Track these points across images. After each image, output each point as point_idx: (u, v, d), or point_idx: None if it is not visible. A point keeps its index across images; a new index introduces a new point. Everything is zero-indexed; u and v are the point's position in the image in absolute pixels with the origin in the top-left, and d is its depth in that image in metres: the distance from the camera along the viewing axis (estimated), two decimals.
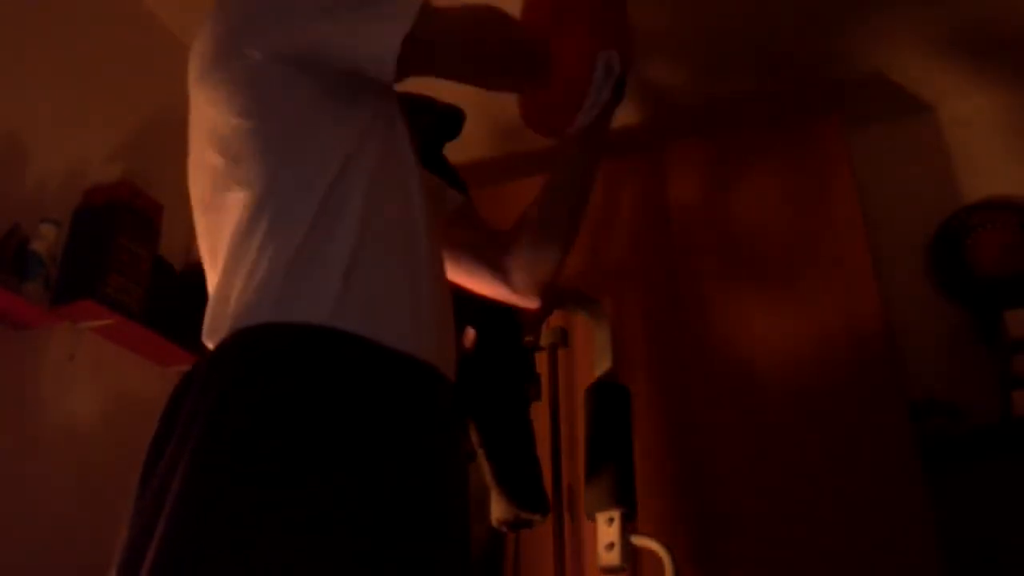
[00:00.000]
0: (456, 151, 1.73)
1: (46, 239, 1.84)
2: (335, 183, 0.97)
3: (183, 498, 0.81)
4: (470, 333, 1.54)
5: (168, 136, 1.70)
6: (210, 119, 1.04)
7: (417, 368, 0.95)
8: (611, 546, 1.66)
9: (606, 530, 1.68)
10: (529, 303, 1.32)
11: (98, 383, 2.00)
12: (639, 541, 1.71)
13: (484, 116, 2.28)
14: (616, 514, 1.68)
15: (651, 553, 1.70)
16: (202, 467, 0.82)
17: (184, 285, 1.98)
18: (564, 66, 1.23)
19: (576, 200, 1.35)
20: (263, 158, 0.98)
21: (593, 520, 1.72)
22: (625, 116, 2.69)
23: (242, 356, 0.90)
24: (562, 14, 1.27)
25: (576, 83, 1.23)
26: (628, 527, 1.69)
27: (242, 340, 0.91)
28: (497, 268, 1.32)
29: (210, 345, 0.97)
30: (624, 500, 1.69)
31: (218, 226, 1.01)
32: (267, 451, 0.83)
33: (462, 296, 1.54)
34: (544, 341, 2.07)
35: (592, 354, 1.96)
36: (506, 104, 1.49)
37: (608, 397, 1.82)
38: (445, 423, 0.98)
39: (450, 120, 1.67)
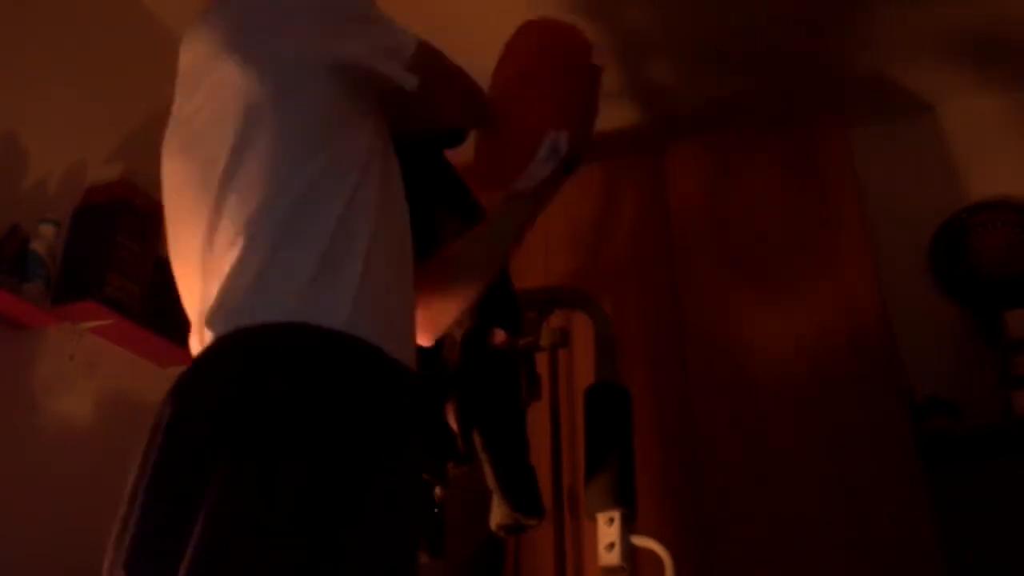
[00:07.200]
0: (459, 152, 1.73)
1: (46, 239, 1.84)
2: (355, 190, 0.99)
3: (232, 497, 0.82)
4: (500, 334, 1.55)
5: None
6: (224, 102, 1.03)
7: (415, 380, 1.00)
8: (611, 546, 1.66)
9: (606, 530, 1.68)
10: (422, 342, 1.28)
11: (98, 383, 2.00)
12: (639, 541, 1.70)
13: None
14: (616, 514, 1.68)
15: (651, 553, 1.70)
16: (251, 468, 0.84)
17: None
18: (515, 131, 1.25)
19: (497, 255, 1.33)
20: (285, 156, 0.98)
21: (593, 520, 1.72)
22: (625, 116, 2.70)
23: (273, 355, 0.90)
24: (529, 84, 1.28)
25: (521, 150, 1.26)
26: (628, 527, 1.69)
27: (266, 337, 0.92)
28: None
29: (211, 331, 0.96)
30: (624, 500, 1.68)
31: (215, 213, 1.00)
32: (316, 452, 0.85)
33: (492, 295, 1.55)
34: (544, 341, 2.06)
35: (592, 354, 1.96)
36: None
37: (608, 397, 1.82)
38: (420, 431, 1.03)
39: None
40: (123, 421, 2.00)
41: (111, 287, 1.88)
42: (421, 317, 1.22)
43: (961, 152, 2.60)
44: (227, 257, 0.97)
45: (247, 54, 1.03)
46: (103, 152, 2.12)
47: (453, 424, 1.51)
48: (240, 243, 0.96)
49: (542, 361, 2.04)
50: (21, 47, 1.93)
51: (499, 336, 1.55)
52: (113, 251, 1.91)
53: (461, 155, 1.44)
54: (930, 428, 2.12)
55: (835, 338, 2.07)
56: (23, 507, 1.75)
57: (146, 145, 2.21)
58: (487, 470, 1.49)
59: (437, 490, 1.49)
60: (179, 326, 1.97)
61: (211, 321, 0.97)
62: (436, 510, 1.50)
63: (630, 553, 1.68)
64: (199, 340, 1.00)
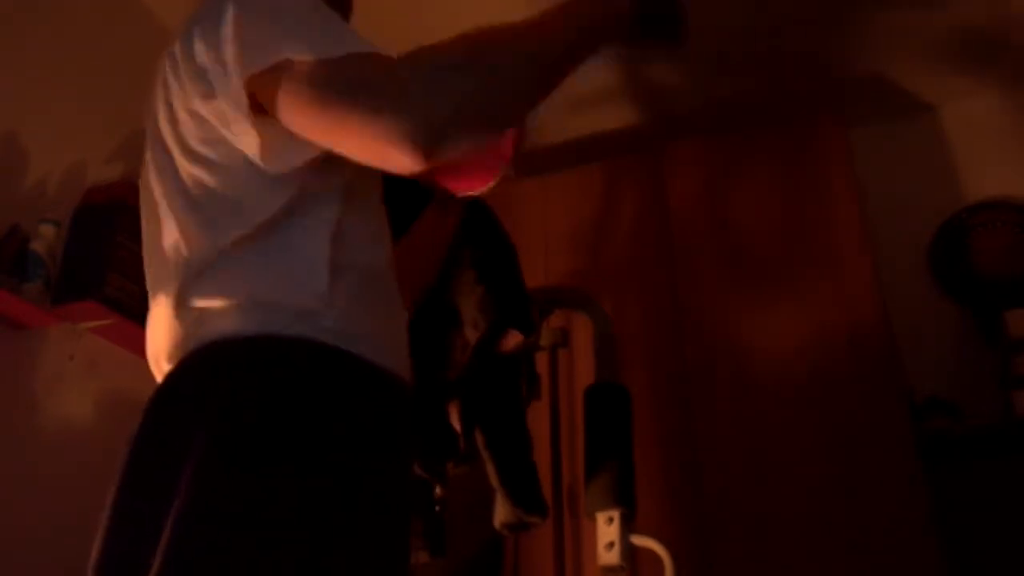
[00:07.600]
0: None
1: (46, 239, 1.84)
2: (320, 201, 0.97)
3: (192, 509, 0.81)
4: (514, 337, 1.56)
5: None
6: (187, 119, 1.01)
7: (397, 385, 0.98)
8: (611, 545, 1.66)
9: (606, 529, 1.68)
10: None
11: (98, 383, 2.00)
12: (639, 541, 1.70)
13: None
14: (616, 514, 1.68)
15: (651, 553, 1.70)
16: (210, 480, 0.83)
17: None
18: (488, 154, 1.29)
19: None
20: (248, 173, 0.96)
21: (593, 520, 1.72)
22: (625, 116, 2.70)
23: (236, 368, 0.90)
24: None
25: (487, 171, 1.31)
26: (628, 526, 1.69)
27: (231, 352, 0.91)
28: None
29: (180, 352, 0.96)
30: (624, 500, 1.69)
31: (181, 231, 0.99)
32: (275, 468, 0.84)
33: (509, 298, 1.56)
34: (544, 341, 2.07)
35: (592, 354, 1.96)
36: None
37: (608, 397, 1.82)
38: (411, 437, 1.02)
39: None
40: (123, 421, 1.98)
41: (111, 287, 1.88)
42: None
43: (961, 152, 2.60)
44: (179, 289, 0.96)
45: (178, 96, 1.01)
46: (103, 152, 2.12)
47: (455, 424, 1.51)
48: (188, 274, 0.95)
49: (542, 361, 2.05)
50: (21, 47, 1.94)
51: (513, 339, 1.55)
52: (113, 251, 1.91)
53: None
54: (930, 428, 2.12)
55: (835, 338, 2.07)
56: (23, 507, 1.75)
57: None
58: (490, 468, 1.50)
59: (437, 489, 1.50)
60: None
61: (172, 354, 0.97)
62: (436, 509, 1.50)
63: (630, 552, 1.68)
64: (158, 372, 1.01)
